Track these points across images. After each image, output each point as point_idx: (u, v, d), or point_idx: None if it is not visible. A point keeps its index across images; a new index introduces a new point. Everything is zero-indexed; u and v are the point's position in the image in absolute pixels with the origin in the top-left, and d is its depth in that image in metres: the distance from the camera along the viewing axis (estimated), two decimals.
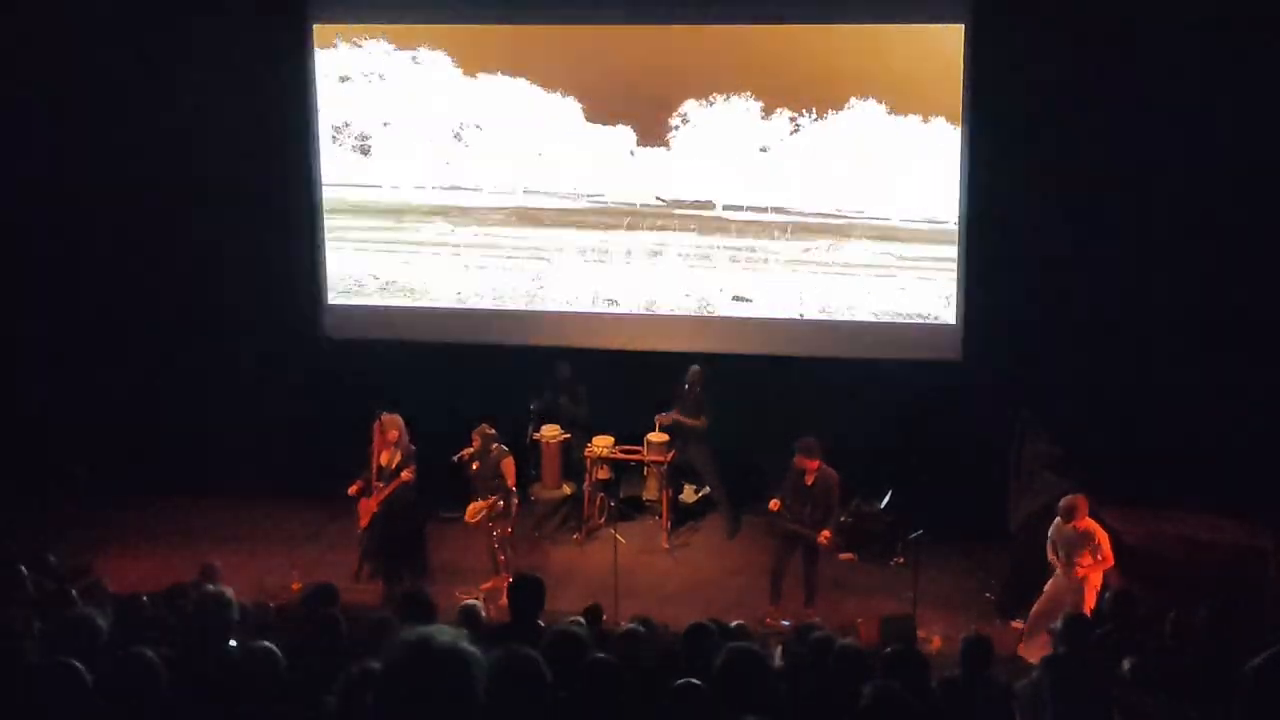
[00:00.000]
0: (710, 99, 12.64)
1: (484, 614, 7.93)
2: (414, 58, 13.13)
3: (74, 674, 4.84)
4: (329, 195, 13.53)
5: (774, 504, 10.99)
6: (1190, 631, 7.86)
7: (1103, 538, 9.70)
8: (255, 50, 12.90)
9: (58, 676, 4.85)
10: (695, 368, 12.47)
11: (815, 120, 12.49)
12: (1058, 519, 9.82)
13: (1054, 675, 7.19)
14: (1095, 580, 9.70)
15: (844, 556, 11.79)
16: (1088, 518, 9.73)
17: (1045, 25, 11.60)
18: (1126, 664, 7.41)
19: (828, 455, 10.88)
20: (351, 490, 11.17)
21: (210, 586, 6.71)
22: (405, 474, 11.09)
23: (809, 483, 10.83)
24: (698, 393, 12.41)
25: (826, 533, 10.83)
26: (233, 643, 5.77)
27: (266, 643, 5.38)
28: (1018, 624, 10.55)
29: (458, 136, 13.23)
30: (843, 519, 11.71)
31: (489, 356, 13.14)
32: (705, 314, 13.01)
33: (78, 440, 13.10)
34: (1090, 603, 9.55)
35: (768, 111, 12.58)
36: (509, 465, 11.24)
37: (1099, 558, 9.67)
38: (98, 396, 13.38)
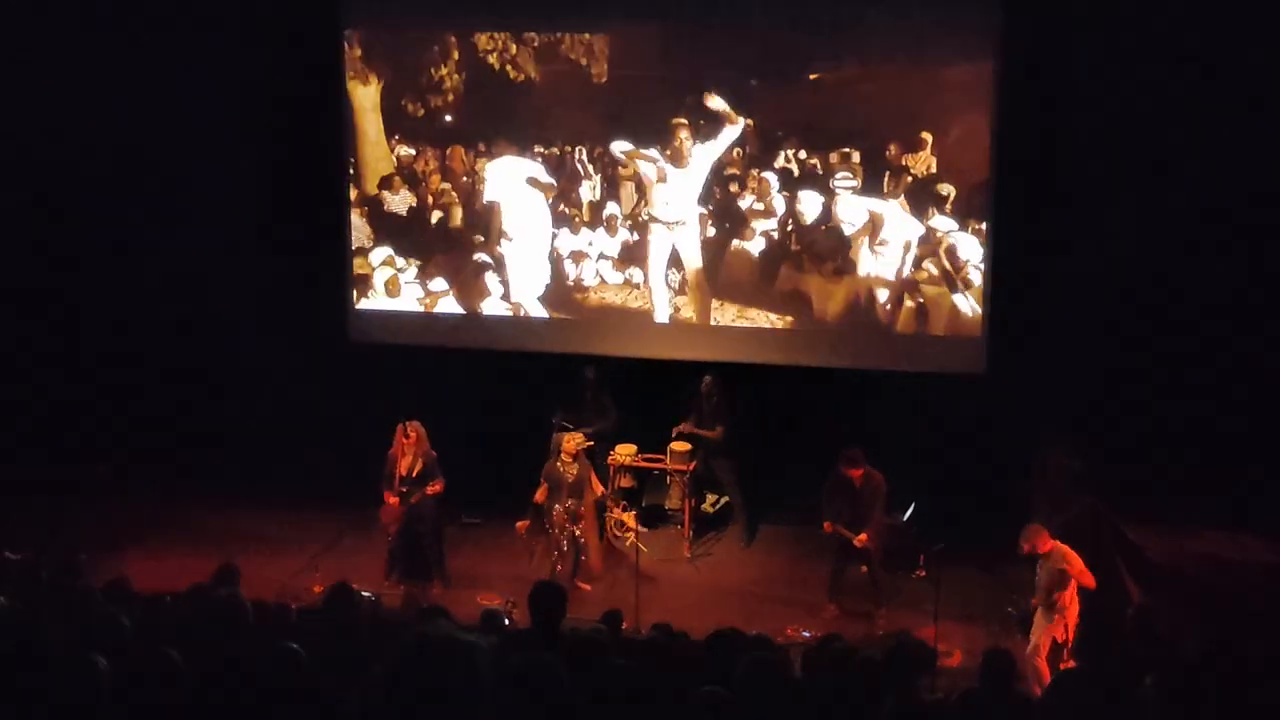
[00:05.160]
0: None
1: (508, 620, 7.97)
2: (446, 60, 13.19)
3: (96, 670, 4.87)
4: (356, 200, 13.60)
5: (827, 526, 11.13)
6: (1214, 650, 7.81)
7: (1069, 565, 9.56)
8: (287, 55, 12.96)
9: (80, 672, 4.88)
10: (707, 378, 12.49)
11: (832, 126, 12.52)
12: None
13: (1070, 691, 7.17)
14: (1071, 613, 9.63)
15: (863, 569, 11.79)
16: (1048, 543, 9.65)
17: (1071, 59, 11.57)
18: (1148, 681, 7.37)
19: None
20: (389, 511, 11.20)
21: (222, 590, 6.72)
22: (435, 486, 11.17)
23: (858, 487, 11.00)
24: (713, 403, 12.42)
25: (863, 535, 10.95)
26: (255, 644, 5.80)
27: (291, 644, 5.40)
28: None
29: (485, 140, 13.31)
30: None
31: (513, 363, 13.18)
32: (727, 323, 13.01)
33: (104, 441, 13.19)
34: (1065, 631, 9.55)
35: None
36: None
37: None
38: (125, 398, 13.47)
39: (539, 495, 11.49)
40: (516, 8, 12.97)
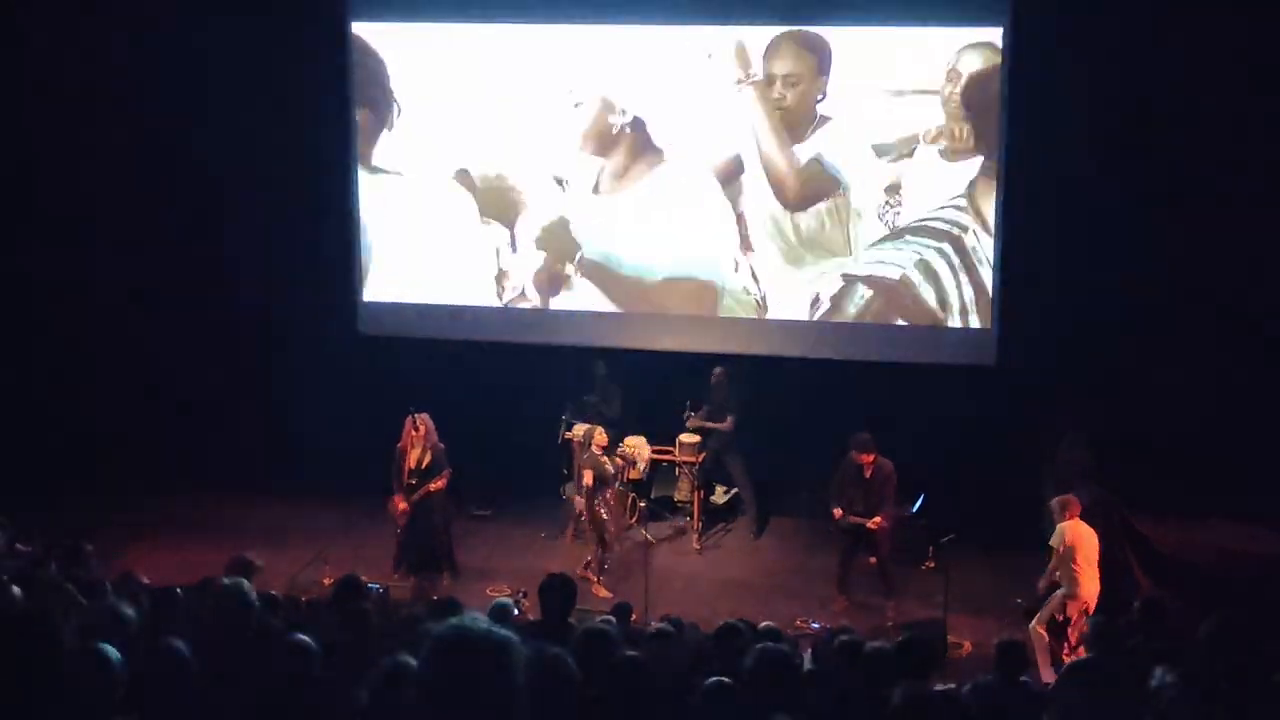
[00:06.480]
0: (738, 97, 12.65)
1: (516, 611, 7.97)
2: (453, 54, 13.17)
3: (108, 662, 4.87)
4: (366, 192, 13.57)
5: (837, 513, 11.10)
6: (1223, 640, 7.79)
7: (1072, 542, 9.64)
8: (294, 50, 12.96)
9: (91, 664, 4.88)
10: (718, 369, 12.48)
11: (846, 121, 12.46)
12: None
13: (1081, 682, 7.15)
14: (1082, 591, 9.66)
15: (871, 560, 11.79)
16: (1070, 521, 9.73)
17: (1084, 29, 11.53)
18: (1158, 672, 7.35)
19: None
20: (398, 503, 11.22)
21: (226, 580, 6.71)
22: (439, 482, 11.18)
23: (868, 475, 10.98)
24: (724, 395, 12.41)
25: (878, 519, 10.92)
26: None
27: (303, 636, 5.40)
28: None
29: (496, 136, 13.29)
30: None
31: (522, 355, 13.17)
32: (736, 315, 12.98)
33: (114, 435, 13.20)
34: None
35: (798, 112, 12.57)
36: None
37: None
38: (134, 391, 13.48)
39: (586, 483, 11.56)
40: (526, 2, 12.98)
